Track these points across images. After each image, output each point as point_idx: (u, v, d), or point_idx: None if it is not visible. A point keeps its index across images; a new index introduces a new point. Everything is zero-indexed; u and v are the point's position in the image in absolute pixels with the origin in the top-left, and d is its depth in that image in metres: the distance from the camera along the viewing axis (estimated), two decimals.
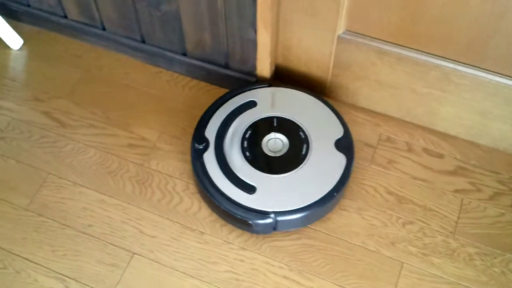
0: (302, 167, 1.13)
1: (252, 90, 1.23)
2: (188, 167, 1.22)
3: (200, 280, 1.09)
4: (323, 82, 1.27)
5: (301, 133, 1.17)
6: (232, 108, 1.20)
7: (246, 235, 1.13)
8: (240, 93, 1.23)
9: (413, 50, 1.11)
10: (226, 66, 1.29)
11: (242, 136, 1.17)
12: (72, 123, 1.29)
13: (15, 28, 1.41)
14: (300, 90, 1.23)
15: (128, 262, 1.11)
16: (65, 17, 1.38)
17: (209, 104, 1.22)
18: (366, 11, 1.07)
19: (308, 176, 1.12)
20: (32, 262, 1.11)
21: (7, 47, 1.41)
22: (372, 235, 1.13)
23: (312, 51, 1.20)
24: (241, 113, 1.20)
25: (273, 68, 1.27)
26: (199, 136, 1.17)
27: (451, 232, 1.13)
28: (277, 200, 1.09)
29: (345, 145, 1.15)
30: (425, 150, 1.24)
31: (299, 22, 1.14)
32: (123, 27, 1.33)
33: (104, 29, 1.36)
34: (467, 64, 1.08)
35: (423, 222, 1.15)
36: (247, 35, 1.17)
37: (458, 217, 1.15)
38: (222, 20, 1.17)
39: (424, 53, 1.10)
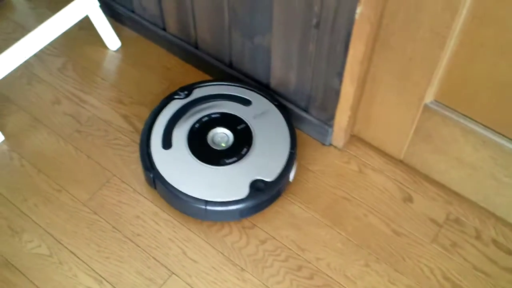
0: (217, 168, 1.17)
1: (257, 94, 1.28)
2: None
3: None
4: (400, 147, 1.22)
5: (244, 150, 1.18)
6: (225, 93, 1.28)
7: (286, 283, 1.10)
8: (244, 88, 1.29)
9: (502, 136, 1.03)
10: (305, 109, 1.27)
11: (203, 116, 1.23)
12: None
13: (116, 30, 1.47)
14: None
15: (165, 280, 1.11)
16: (164, 29, 1.43)
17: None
18: (459, 85, 1.02)
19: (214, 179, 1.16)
20: (76, 256, 1.14)
21: (105, 46, 1.47)
22: None
23: (395, 113, 1.15)
24: (226, 101, 1.26)
25: (352, 121, 1.24)
26: (183, 89, 1.28)
27: None
28: (174, 171, 1.16)
29: (260, 188, 1.14)
30: (494, 241, 1.15)
31: (387, 82, 1.11)
32: (215, 50, 1.35)
33: (197, 47, 1.39)
34: None
35: None
36: (332, 83, 1.15)
37: None
38: (310, 64, 1.15)
39: None
